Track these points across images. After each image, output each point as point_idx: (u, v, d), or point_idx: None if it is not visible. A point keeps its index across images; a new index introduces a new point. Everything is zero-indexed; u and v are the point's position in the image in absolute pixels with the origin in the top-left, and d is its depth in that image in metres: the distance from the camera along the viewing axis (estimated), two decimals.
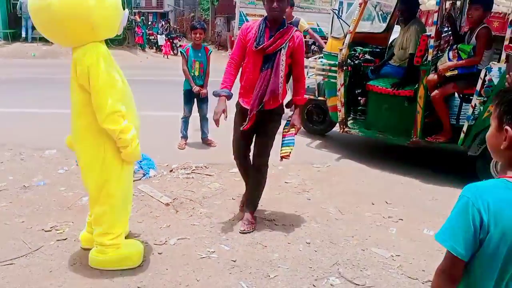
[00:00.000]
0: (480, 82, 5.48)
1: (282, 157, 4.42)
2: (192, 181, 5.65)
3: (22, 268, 3.61)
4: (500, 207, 1.59)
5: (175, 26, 39.60)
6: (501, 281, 1.67)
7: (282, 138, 4.44)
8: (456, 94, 6.69)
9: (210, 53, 7.11)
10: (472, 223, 1.61)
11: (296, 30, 4.24)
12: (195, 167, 6.10)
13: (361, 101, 7.34)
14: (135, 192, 5.00)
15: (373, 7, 11.96)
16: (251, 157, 4.60)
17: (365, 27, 9.72)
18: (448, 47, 6.18)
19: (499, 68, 5.33)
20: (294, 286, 3.58)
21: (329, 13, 16.82)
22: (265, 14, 4.24)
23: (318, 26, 20.17)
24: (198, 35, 6.83)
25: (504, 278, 1.66)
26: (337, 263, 3.92)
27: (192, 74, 6.88)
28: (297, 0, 18.87)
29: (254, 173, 4.56)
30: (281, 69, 4.14)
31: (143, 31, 25.79)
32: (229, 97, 4.27)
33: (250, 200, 4.58)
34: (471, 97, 5.76)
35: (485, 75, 5.42)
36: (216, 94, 4.28)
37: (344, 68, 6.58)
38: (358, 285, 3.63)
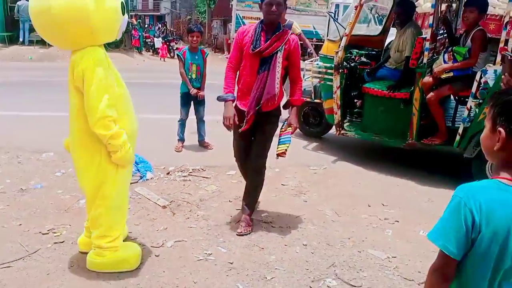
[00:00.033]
0: (475, 84, 5.51)
1: (278, 155, 4.43)
2: (189, 184, 5.66)
3: (20, 271, 3.61)
4: (492, 207, 1.62)
5: (171, 29, 39.54)
6: (493, 280, 1.69)
7: (279, 137, 4.47)
8: (451, 96, 6.71)
9: (207, 55, 7.14)
10: (464, 222, 1.63)
11: (291, 33, 4.28)
12: (192, 169, 6.11)
13: (357, 103, 7.36)
14: (132, 195, 5.01)
15: (369, 10, 12.01)
16: None
17: (361, 29, 9.76)
18: (444, 50, 6.20)
19: (495, 71, 5.36)
20: None
21: (326, 16, 16.88)
22: (261, 17, 4.28)
23: (314, 29, 20.21)
24: (195, 38, 6.86)
25: (497, 278, 1.68)
26: (333, 264, 3.94)
27: (190, 76, 6.89)
28: (293, 2, 18.92)
29: (251, 175, 4.58)
30: (277, 70, 4.18)
31: (140, 34, 25.77)
32: (234, 101, 4.30)
33: (248, 202, 4.60)
34: (466, 99, 5.77)
35: (481, 77, 5.46)
36: (222, 99, 4.28)
37: (340, 70, 6.60)
38: (355, 286, 3.65)
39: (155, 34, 29.05)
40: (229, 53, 19.88)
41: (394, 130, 6.47)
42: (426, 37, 5.93)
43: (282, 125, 4.51)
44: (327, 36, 8.55)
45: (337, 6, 19.90)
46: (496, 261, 1.65)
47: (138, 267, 3.72)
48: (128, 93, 3.55)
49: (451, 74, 5.77)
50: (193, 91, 6.86)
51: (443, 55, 5.94)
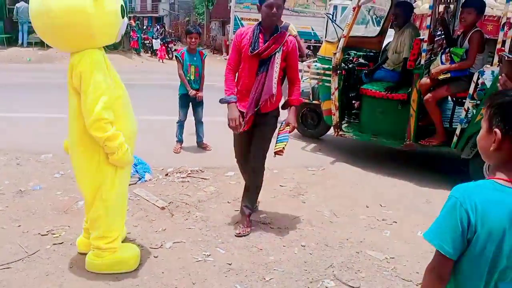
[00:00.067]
0: (473, 85, 5.52)
1: (275, 153, 4.44)
2: (187, 185, 5.67)
3: (19, 272, 3.62)
4: (487, 207, 1.63)
5: (170, 30, 39.59)
6: (490, 280, 1.71)
7: (277, 135, 4.48)
8: (449, 98, 6.73)
9: (205, 57, 7.14)
10: (460, 223, 1.65)
11: (289, 35, 4.31)
12: (191, 170, 6.12)
13: (355, 104, 7.37)
14: (131, 196, 5.02)
15: (367, 11, 12.04)
16: None
17: (360, 31, 9.79)
18: (441, 51, 6.22)
19: (492, 72, 5.37)
20: None
21: (324, 17, 16.88)
22: (260, 18, 4.30)
23: (312, 30, 20.23)
24: (193, 40, 6.86)
25: (493, 277, 1.70)
26: (332, 265, 3.95)
27: (188, 78, 6.90)
28: (291, 4, 18.95)
29: (250, 175, 4.60)
30: (275, 71, 4.20)
31: (138, 35, 25.79)
32: (237, 102, 4.32)
33: (246, 203, 4.61)
34: (464, 100, 5.79)
35: (478, 78, 5.47)
36: (225, 101, 4.29)
37: (338, 72, 6.62)
38: (353, 287, 3.66)
39: (154, 35, 29.06)
40: (227, 54, 19.81)
41: (392, 131, 6.49)
42: (423, 38, 5.95)
43: (281, 125, 4.53)
44: (325, 37, 8.56)
45: (335, 7, 19.92)
46: (492, 261, 1.66)
47: (137, 268, 3.73)
48: (127, 94, 3.56)
49: (449, 75, 5.78)
50: (192, 92, 6.87)
51: (441, 56, 5.95)
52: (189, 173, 6.03)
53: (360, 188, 5.85)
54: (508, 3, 5.40)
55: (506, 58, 4.84)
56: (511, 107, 1.64)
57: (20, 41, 20.50)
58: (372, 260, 4.07)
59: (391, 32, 7.52)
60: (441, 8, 6.94)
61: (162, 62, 23.97)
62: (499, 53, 5.30)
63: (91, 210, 3.58)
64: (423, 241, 1.76)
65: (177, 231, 4.46)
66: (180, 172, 6.06)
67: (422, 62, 5.94)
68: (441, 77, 5.82)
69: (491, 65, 5.53)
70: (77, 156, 3.49)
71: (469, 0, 6.02)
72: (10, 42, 20.90)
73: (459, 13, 6.56)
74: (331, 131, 7.29)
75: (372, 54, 7.65)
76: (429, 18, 6.00)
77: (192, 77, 6.93)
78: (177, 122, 7.19)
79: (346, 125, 7.23)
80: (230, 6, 21.99)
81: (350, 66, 7.05)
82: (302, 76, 7.93)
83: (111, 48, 18.99)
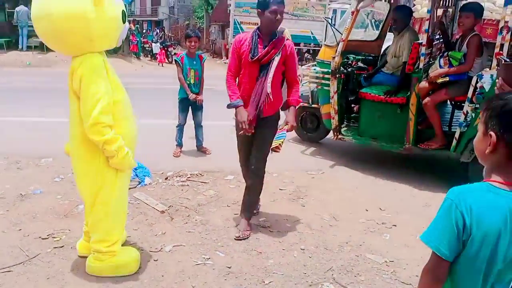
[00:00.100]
0: (471, 89, 5.54)
1: (272, 150, 4.47)
2: (187, 189, 5.68)
3: (20, 275, 3.64)
4: (482, 210, 1.65)
5: (169, 34, 39.59)
6: (486, 282, 1.73)
7: (276, 134, 4.52)
8: (448, 101, 6.75)
9: (204, 60, 7.15)
10: (455, 225, 1.67)
11: (287, 39, 4.37)
12: (190, 174, 6.14)
13: (355, 108, 7.39)
14: (131, 200, 5.03)
15: (365, 15, 12.07)
16: None
17: (359, 34, 9.81)
18: (440, 54, 6.24)
19: (491, 75, 5.38)
20: None
21: (323, 21, 16.90)
22: (259, 22, 4.34)
23: (312, 34, 20.26)
24: (193, 43, 6.87)
25: (489, 279, 1.72)
26: (331, 269, 3.96)
27: (188, 82, 6.91)
28: (291, 8, 18.97)
29: (251, 178, 4.62)
30: (271, 71, 4.25)
31: (138, 39, 25.80)
32: (243, 105, 4.36)
33: (246, 206, 4.63)
34: (463, 104, 5.80)
35: (477, 82, 5.48)
36: (233, 106, 4.33)
37: (337, 75, 6.64)
38: None
39: (153, 39, 29.08)
40: (227, 58, 19.80)
41: (391, 135, 6.50)
42: (422, 42, 5.96)
43: (280, 125, 4.57)
44: (325, 41, 8.58)
45: (335, 11, 19.95)
46: (487, 263, 1.68)
47: (137, 271, 3.74)
48: (128, 98, 3.58)
49: (447, 79, 5.80)
50: (192, 96, 6.88)
51: (439, 60, 5.97)
52: (189, 177, 6.05)
53: (360, 191, 5.86)
54: (506, 7, 5.43)
55: (503, 62, 4.86)
56: (506, 111, 1.66)
57: (20, 45, 20.52)
58: (371, 264, 4.08)
59: (390, 36, 7.54)
60: (440, 12, 6.96)
61: (162, 66, 23.99)
62: (497, 56, 5.32)
63: (91, 213, 3.60)
64: (423, 244, 1.78)
65: (176, 235, 4.47)
66: (179, 176, 6.07)
67: (421, 66, 5.96)
68: (440, 80, 5.84)
69: (490, 68, 5.54)
70: (78, 159, 3.51)
71: (467, 4, 6.05)
72: (10, 46, 20.92)
73: (457, 17, 6.58)
74: (331, 134, 7.31)
75: (371, 58, 7.66)
76: (427, 22, 6.03)
77: (192, 81, 6.94)
78: (176, 126, 7.20)
79: (345, 128, 7.25)
80: (229, 10, 22.01)
81: (349, 70, 7.06)
82: (301, 80, 7.96)
83: (111, 52, 18.97)
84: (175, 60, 7.15)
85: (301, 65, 10.29)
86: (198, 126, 7.24)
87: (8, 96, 11.47)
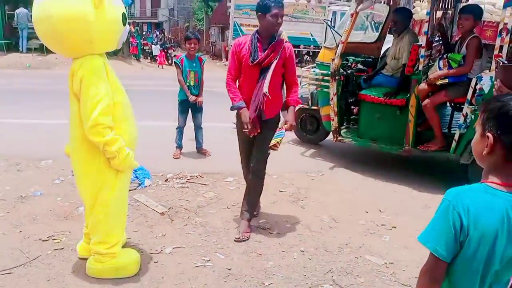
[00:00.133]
0: (471, 91, 5.55)
1: (270, 147, 4.49)
2: (187, 190, 5.69)
3: (20, 277, 3.64)
4: (479, 210, 1.67)
5: (169, 36, 39.59)
6: (483, 282, 1.74)
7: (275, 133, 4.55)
8: (447, 103, 6.76)
9: (204, 62, 7.17)
10: (453, 226, 1.68)
11: (286, 41, 4.42)
12: (190, 176, 6.14)
13: (354, 110, 7.40)
14: (131, 202, 5.04)
15: (365, 17, 12.05)
16: None
17: (359, 36, 9.81)
18: (439, 56, 6.25)
19: (490, 77, 5.38)
20: None
21: (323, 23, 16.90)
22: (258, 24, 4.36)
23: (312, 36, 20.26)
24: (192, 45, 6.88)
25: (486, 280, 1.74)
26: (331, 270, 3.97)
27: (188, 84, 6.92)
28: (290, 10, 18.97)
29: (251, 178, 4.64)
30: (269, 74, 4.27)
31: (138, 41, 25.81)
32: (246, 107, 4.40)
33: (247, 207, 4.65)
34: (462, 106, 5.81)
35: (476, 83, 5.49)
36: (236, 108, 4.39)
37: (337, 77, 6.65)
38: None
39: (153, 41, 29.06)
40: (227, 60, 19.81)
41: (390, 137, 6.50)
42: (421, 44, 5.97)
43: (281, 123, 4.60)
44: (324, 43, 8.59)
45: (334, 13, 19.96)
46: (485, 263, 1.70)
47: (137, 273, 3.74)
48: (128, 100, 3.59)
49: (446, 80, 5.81)
50: (192, 98, 6.89)
51: (438, 62, 5.98)
52: (189, 179, 6.05)
53: (359, 193, 5.87)
54: (505, 9, 5.44)
55: (500, 64, 4.87)
56: (503, 112, 1.67)
57: (20, 48, 20.53)
58: (371, 265, 4.09)
59: (390, 38, 7.55)
60: (439, 14, 6.97)
61: (162, 68, 23.99)
62: (496, 58, 5.33)
63: (91, 215, 3.60)
64: (422, 246, 1.79)
65: (176, 237, 4.47)
66: (179, 178, 6.08)
67: (420, 68, 5.97)
68: (439, 82, 5.85)
69: (489, 70, 5.55)
70: (78, 160, 3.52)
71: (467, 6, 6.06)
72: (10, 48, 20.95)
73: (456, 19, 6.59)
74: (330, 136, 7.31)
75: (370, 60, 7.67)
76: (426, 24, 6.03)
77: (192, 83, 6.95)
78: (176, 128, 7.21)
79: (345, 130, 7.26)
80: (229, 12, 22.00)
81: (349, 71, 7.07)
82: (301, 82, 7.97)
83: (111, 54, 18.97)
84: (175, 62, 7.16)
85: (301, 67, 10.27)
86: (198, 128, 7.25)
87: (8, 98, 11.48)
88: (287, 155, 7.21)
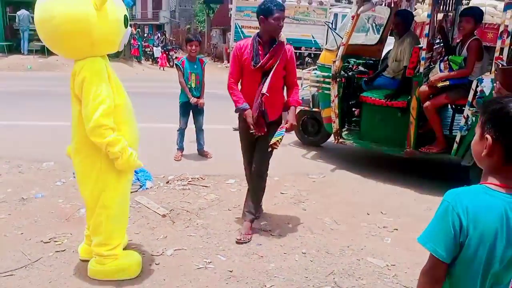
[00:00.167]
0: (471, 93, 5.55)
1: (270, 145, 4.50)
2: (188, 193, 5.69)
3: (22, 279, 3.65)
4: (478, 211, 1.68)
5: (171, 38, 39.62)
6: (484, 283, 1.75)
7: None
8: (449, 105, 6.76)
9: (205, 64, 7.18)
10: (452, 226, 1.69)
11: (286, 44, 4.45)
12: (191, 178, 6.15)
13: (355, 112, 7.40)
14: (132, 204, 5.03)
15: (366, 20, 12.06)
16: None
17: (360, 38, 9.81)
18: (440, 59, 6.25)
19: (491, 79, 5.38)
20: None
21: (324, 25, 16.90)
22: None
23: (313, 38, 20.24)
24: (193, 47, 6.90)
25: (487, 280, 1.75)
26: (332, 272, 3.96)
27: (189, 86, 6.93)
28: (292, 12, 18.96)
29: (255, 179, 4.66)
30: (269, 76, 4.31)
31: (139, 43, 25.87)
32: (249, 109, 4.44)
33: (249, 209, 4.65)
34: (463, 108, 5.81)
35: (477, 86, 5.49)
36: (241, 109, 4.42)
37: (338, 79, 6.66)
38: None
39: (154, 43, 29.11)
40: (228, 62, 19.79)
41: (392, 139, 6.50)
42: (422, 47, 5.98)
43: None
44: (326, 45, 8.59)
45: (336, 15, 19.97)
46: (485, 264, 1.71)
47: (139, 275, 3.75)
48: (130, 102, 3.60)
49: (447, 83, 5.81)
50: (193, 100, 6.90)
51: (439, 64, 5.99)
52: (190, 181, 6.06)
53: (361, 195, 5.87)
54: (505, 11, 5.44)
55: (499, 66, 4.88)
56: (501, 114, 1.68)
57: (22, 50, 20.55)
58: (373, 267, 4.08)
59: (391, 40, 7.55)
60: (440, 16, 6.98)
61: (163, 69, 24.02)
62: (496, 61, 5.34)
63: (93, 216, 3.61)
64: (424, 248, 1.79)
65: (178, 239, 4.48)
66: (181, 180, 6.08)
67: (421, 70, 5.97)
68: (440, 84, 5.85)
69: (490, 72, 5.55)
70: (79, 162, 3.53)
71: (468, 9, 6.06)
72: (11, 50, 20.97)
73: (457, 22, 6.60)
74: (332, 138, 7.31)
75: (371, 62, 7.68)
76: (427, 27, 6.04)
77: (193, 85, 6.95)
78: (177, 130, 7.22)
79: (346, 132, 7.26)
80: (230, 14, 21.98)
81: (350, 74, 7.08)
82: (302, 84, 7.99)
83: (112, 56, 18.76)
84: (176, 65, 7.17)
85: (302, 69, 10.28)
86: (199, 130, 7.26)
87: (9, 99, 11.49)
88: (289, 157, 7.22)
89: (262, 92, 4.28)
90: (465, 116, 5.68)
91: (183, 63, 6.95)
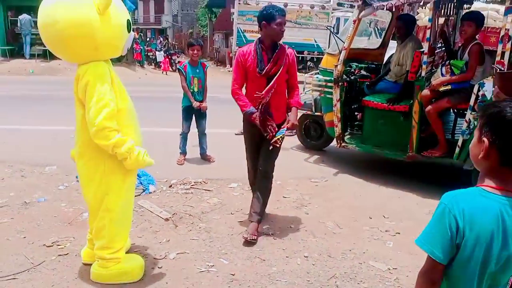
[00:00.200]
0: (473, 97, 5.56)
1: (271, 144, 4.52)
2: (191, 196, 5.70)
3: (25, 282, 3.65)
4: (475, 213, 1.70)
5: (173, 42, 39.69)
6: (481, 285, 1.77)
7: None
8: (451, 109, 6.77)
9: (207, 68, 7.19)
10: (449, 228, 1.72)
11: (288, 48, 4.52)
12: (194, 182, 6.16)
13: (358, 116, 7.41)
14: (135, 208, 5.03)
15: (368, 24, 12.08)
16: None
17: (362, 42, 9.84)
18: (442, 63, 6.26)
19: (493, 83, 5.40)
20: None
21: (326, 29, 16.92)
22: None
23: (315, 42, 20.28)
24: (195, 52, 6.92)
25: (483, 282, 1.77)
26: (334, 276, 3.97)
27: (192, 90, 6.95)
28: (294, 16, 19.00)
29: (260, 180, 4.69)
30: (273, 80, 4.39)
31: (142, 47, 25.89)
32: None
33: (256, 209, 4.66)
34: (465, 112, 5.82)
35: (478, 90, 5.50)
36: (250, 113, 4.47)
37: (340, 83, 6.67)
38: None
39: (157, 47, 29.11)
40: (231, 66, 19.80)
41: (394, 143, 6.51)
42: (424, 51, 5.99)
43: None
44: (328, 49, 8.62)
45: (338, 19, 19.97)
46: (481, 265, 1.73)
47: (141, 278, 3.75)
48: (133, 106, 3.61)
49: (449, 87, 5.82)
50: (196, 104, 6.92)
51: (441, 68, 6.00)
52: (193, 185, 6.07)
53: (363, 199, 5.87)
54: (506, 16, 5.46)
55: (498, 71, 4.90)
56: (498, 118, 1.71)
57: (24, 54, 20.60)
58: (374, 271, 4.09)
59: (393, 44, 7.57)
60: (442, 20, 6.99)
61: (166, 74, 24.03)
62: (494, 65, 5.37)
63: (96, 220, 3.61)
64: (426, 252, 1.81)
65: (180, 242, 4.48)
66: (183, 184, 6.09)
67: (423, 74, 5.98)
68: (442, 89, 5.86)
69: (492, 76, 5.56)
70: (83, 165, 3.54)
71: (469, 13, 6.08)
72: (13, 54, 21.03)
73: (459, 26, 6.61)
74: (334, 142, 7.32)
75: (374, 66, 7.69)
76: (428, 31, 6.06)
77: (196, 89, 6.98)
78: (180, 134, 7.24)
79: (348, 136, 7.27)
80: (233, 19, 22.03)
81: (352, 78, 7.09)
82: (304, 88, 8.00)
83: (115, 60, 18.78)
84: (178, 69, 7.20)
85: (304, 73, 10.31)
86: (202, 134, 7.27)
87: (11, 104, 11.52)
88: (291, 161, 7.23)
89: (261, 92, 4.35)
90: (467, 120, 5.70)
91: (185, 67, 6.98)
